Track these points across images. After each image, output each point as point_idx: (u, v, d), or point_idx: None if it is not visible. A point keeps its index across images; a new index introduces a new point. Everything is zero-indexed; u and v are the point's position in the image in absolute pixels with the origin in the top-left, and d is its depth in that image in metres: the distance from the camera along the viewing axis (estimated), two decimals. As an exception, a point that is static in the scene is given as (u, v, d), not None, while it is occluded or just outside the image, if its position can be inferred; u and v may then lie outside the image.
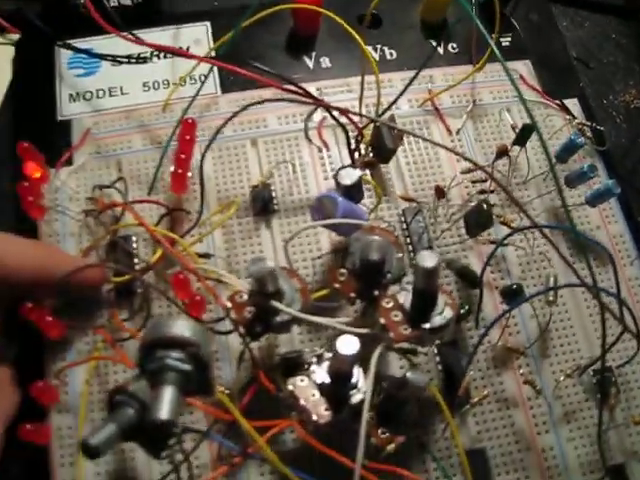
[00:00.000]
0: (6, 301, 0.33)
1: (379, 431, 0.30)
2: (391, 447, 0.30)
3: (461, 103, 0.42)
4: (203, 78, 0.41)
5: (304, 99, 0.35)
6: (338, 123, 0.36)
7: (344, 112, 0.35)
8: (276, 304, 0.29)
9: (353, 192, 0.33)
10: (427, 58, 0.38)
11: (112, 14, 0.40)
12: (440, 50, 0.44)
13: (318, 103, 0.35)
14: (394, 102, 0.39)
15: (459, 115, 0.42)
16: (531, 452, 0.34)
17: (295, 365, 0.32)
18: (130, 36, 0.39)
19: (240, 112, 0.34)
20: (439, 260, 0.28)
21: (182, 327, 0.26)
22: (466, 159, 0.34)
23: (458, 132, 0.41)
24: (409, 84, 0.38)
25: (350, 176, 0.33)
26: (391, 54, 0.44)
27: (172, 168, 0.36)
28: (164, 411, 0.24)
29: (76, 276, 0.32)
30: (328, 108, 0.35)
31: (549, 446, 0.34)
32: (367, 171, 0.38)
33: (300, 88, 0.35)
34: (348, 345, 0.28)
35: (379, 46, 0.44)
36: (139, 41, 0.38)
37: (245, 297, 0.30)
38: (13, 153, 0.39)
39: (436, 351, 0.35)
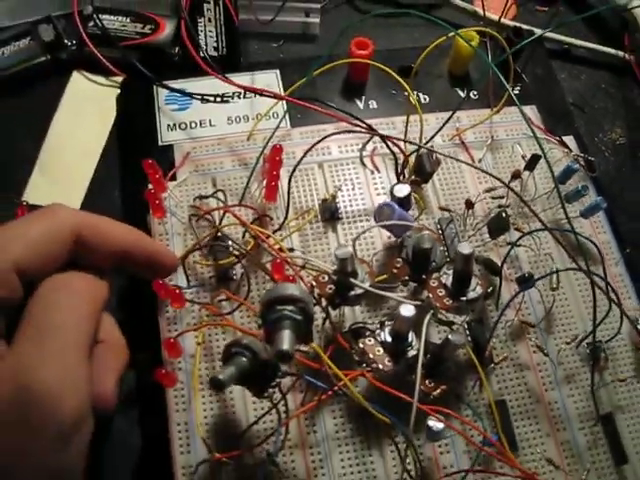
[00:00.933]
0: (108, 267, 0.36)
1: (426, 381, 0.39)
2: (436, 392, 0.38)
3: (482, 138, 0.50)
4: (277, 115, 0.50)
5: (365, 131, 0.45)
6: (390, 151, 0.45)
7: (395, 141, 0.44)
8: (354, 281, 0.38)
9: (404, 202, 0.42)
10: (458, 105, 0.47)
11: (209, 61, 0.50)
12: (463, 96, 0.53)
13: (377, 134, 0.45)
14: (435, 134, 0.47)
15: (480, 147, 0.49)
16: (540, 404, 0.41)
17: (359, 332, 0.41)
18: (223, 77, 0.48)
19: (320, 141, 0.43)
20: (473, 249, 0.38)
21: (294, 289, 0.34)
22: (493, 176, 0.43)
23: (480, 161, 0.49)
24: (445, 123, 0.47)
25: (402, 190, 0.42)
26: (425, 98, 0.52)
27: (265, 182, 0.44)
28: (285, 343, 0.32)
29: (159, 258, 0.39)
30: (384, 138, 0.45)
31: (554, 400, 0.41)
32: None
33: (363, 122, 0.45)
34: (408, 310, 0.36)
35: (415, 92, 0.52)
36: (231, 82, 0.47)
37: (326, 278, 0.39)
38: (119, 171, 0.49)
39: (466, 326, 0.42)
